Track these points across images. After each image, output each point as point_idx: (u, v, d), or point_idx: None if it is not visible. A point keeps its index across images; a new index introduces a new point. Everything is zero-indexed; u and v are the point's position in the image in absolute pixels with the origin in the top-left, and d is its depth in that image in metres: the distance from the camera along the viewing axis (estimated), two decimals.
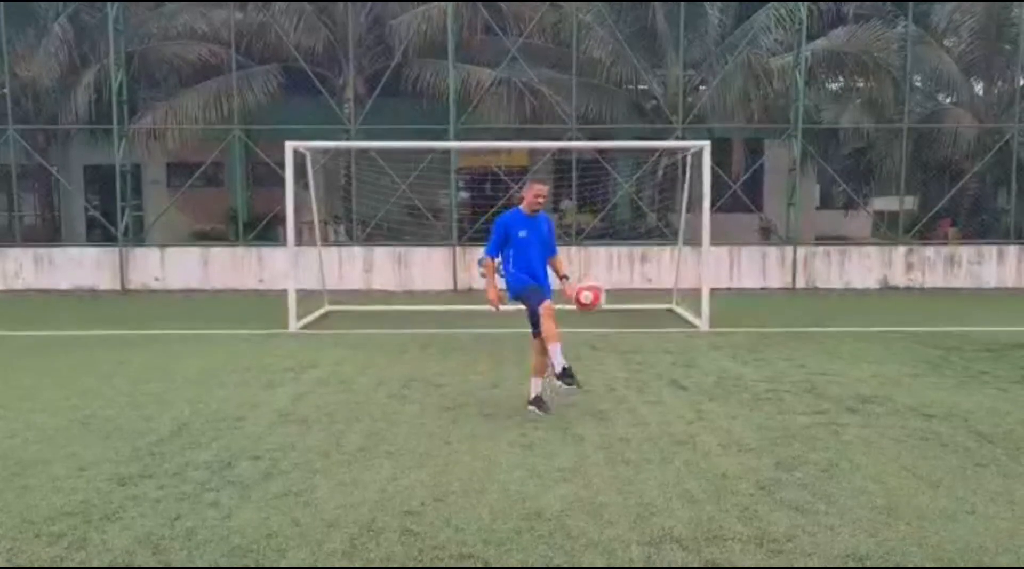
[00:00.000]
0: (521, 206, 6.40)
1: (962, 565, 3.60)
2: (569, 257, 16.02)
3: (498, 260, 6.34)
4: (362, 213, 16.96)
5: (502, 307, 6.24)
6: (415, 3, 16.89)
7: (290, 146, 11.20)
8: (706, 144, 11.30)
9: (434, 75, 16.85)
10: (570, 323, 11.12)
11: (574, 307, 6.38)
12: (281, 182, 11.55)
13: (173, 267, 16.34)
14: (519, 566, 3.59)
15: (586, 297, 6.22)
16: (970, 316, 12.06)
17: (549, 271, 6.43)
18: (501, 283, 6.31)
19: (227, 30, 16.61)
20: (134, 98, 17.15)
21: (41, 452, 5.26)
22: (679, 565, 3.59)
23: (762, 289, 16.18)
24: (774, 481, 4.66)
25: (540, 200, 6.32)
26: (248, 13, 17.21)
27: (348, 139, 16.01)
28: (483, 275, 6.46)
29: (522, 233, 6.25)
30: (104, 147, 17.37)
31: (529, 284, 6.19)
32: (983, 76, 18.90)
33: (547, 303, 6.06)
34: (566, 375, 5.97)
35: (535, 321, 6.16)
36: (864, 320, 11.62)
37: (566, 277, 6.40)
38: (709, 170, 11.11)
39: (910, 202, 18.99)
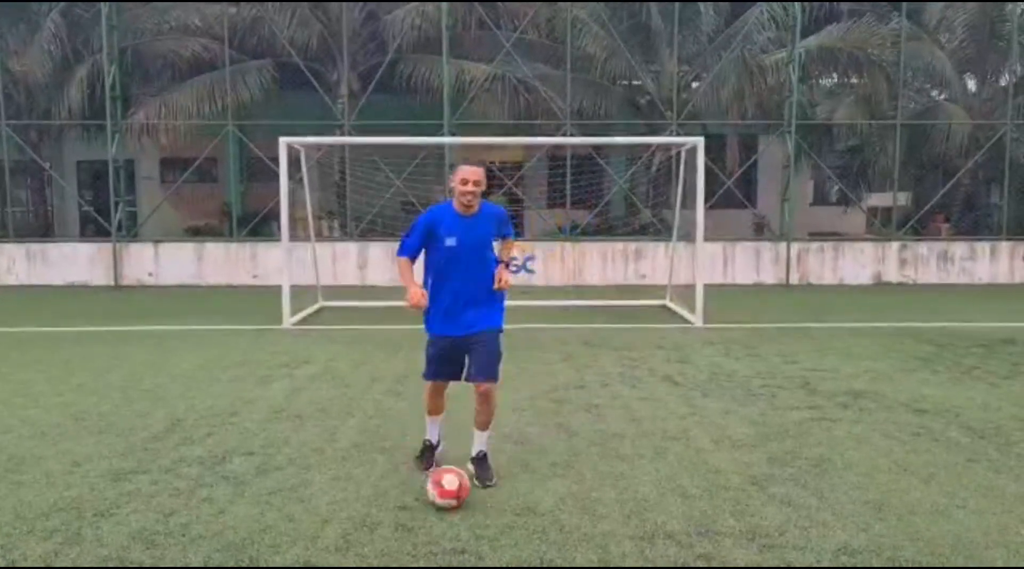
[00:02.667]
0: (453, 201, 4.57)
1: (953, 559, 3.62)
2: (563, 254, 16.06)
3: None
4: (356, 209, 16.92)
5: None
6: None
7: (284, 142, 11.15)
8: (700, 140, 11.31)
9: (428, 71, 16.83)
10: (563, 319, 11.18)
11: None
12: (275, 178, 11.53)
13: (167, 263, 16.30)
14: (512, 562, 3.61)
15: (449, 482, 4.17)
16: (962, 312, 12.10)
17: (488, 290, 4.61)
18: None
19: (220, 25, 16.54)
20: (127, 93, 17.07)
21: (35, 448, 5.25)
22: (672, 560, 3.61)
23: (756, 285, 16.21)
24: (766, 476, 4.68)
25: (469, 190, 4.43)
26: (242, 8, 17.16)
27: (342, 135, 15.98)
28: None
29: (450, 241, 4.46)
30: (97, 143, 17.35)
31: (432, 340, 4.65)
32: (976, 72, 18.95)
33: (432, 384, 4.73)
34: (430, 450, 4.83)
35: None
36: (857, 316, 11.66)
37: (506, 264, 4.68)
38: (703, 166, 11.12)
39: (903, 198, 19.03)
